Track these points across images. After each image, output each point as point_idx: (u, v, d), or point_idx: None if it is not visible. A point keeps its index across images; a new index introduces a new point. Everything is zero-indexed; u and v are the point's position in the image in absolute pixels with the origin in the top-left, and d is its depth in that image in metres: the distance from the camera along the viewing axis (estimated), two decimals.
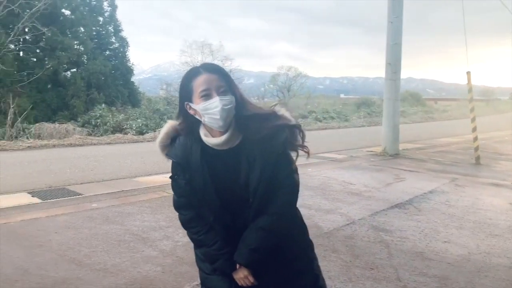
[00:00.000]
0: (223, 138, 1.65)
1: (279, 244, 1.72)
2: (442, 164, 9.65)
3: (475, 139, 10.11)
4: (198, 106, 1.63)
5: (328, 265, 3.80)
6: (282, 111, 1.72)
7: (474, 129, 10.17)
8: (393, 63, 10.85)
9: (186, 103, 1.69)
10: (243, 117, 1.66)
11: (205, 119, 1.64)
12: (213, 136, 1.67)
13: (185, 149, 1.68)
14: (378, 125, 18.73)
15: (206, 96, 1.61)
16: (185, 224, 1.81)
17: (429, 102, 45.76)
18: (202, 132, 1.69)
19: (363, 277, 3.59)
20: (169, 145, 1.74)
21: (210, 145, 1.67)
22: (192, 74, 1.66)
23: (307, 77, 40.83)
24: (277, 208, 1.68)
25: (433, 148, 12.77)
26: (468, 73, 10.06)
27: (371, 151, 11.41)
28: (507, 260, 4.02)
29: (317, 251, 4.15)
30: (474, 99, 10.49)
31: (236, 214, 1.71)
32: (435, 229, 4.91)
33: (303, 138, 1.73)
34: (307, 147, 1.75)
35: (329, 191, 6.59)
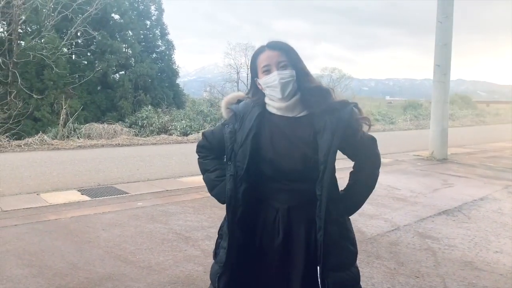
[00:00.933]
0: (285, 103, 1.73)
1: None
2: (494, 170, 9.21)
3: None
4: (261, 81, 1.76)
5: (371, 271, 3.71)
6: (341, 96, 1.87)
7: None
8: (442, 65, 10.48)
9: (255, 79, 1.81)
10: (306, 89, 1.74)
11: (267, 92, 1.76)
12: None
13: (246, 107, 1.78)
14: (425, 128, 18.14)
15: (267, 71, 1.73)
16: (198, 148, 2.00)
17: (480, 105, 43.83)
18: (267, 98, 1.79)
19: (407, 285, 3.48)
20: (234, 104, 1.84)
21: (273, 110, 1.77)
22: (257, 51, 1.79)
23: (352, 79, 40.25)
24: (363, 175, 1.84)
25: (484, 153, 12.22)
26: None
27: (418, 155, 11.06)
28: None
29: (360, 257, 4.07)
30: None
31: (264, 185, 1.75)
32: (486, 238, 4.69)
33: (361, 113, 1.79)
34: (369, 119, 1.80)
35: (373, 195, 6.42)
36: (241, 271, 1.80)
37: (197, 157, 2.01)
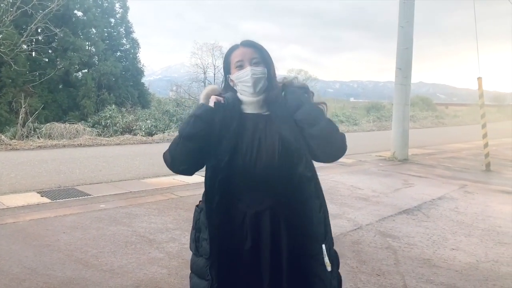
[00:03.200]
0: (256, 97, 1.80)
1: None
2: (452, 170, 9.57)
3: (486, 145, 10.01)
4: (233, 76, 1.81)
5: None
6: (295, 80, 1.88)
7: (484, 135, 10.07)
8: (404, 68, 10.80)
9: (228, 75, 1.86)
10: (272, 87, 1.81)
11: (238, 88, 1.82)
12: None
13: (233, 99, 1.80)
14: (388, 130, 18.61)
15: (240, 66, 1.79)
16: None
17: (440, 107, 45.32)
18: (239, 94, 1.83)
19: (369, 283, 3.57)
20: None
21: (245, 107, 1.81)
22: (231, 49, 1.85)
23: (317, 81, 40.75)
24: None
25: (443, 154, 12.67)
26: (479, 78, 9.97)
27: (380, 156, 11.35)
28: None
29: None
30: (485, 105, 10.40)
31: (235, 184, 1.76)
32: (444, 236, 4.87)
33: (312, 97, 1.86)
34: (325, 103, 1.86)
35: (337, 195, 6.57)
36: (227, 258, 1.78)
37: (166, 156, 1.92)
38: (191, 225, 1.97)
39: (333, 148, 1.78)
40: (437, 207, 6.17)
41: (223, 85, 1.93)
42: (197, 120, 1.72)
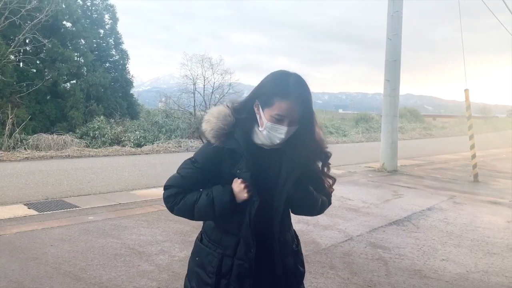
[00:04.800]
0: (273, 146, 1.70)
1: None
2: (441, 181, 9.65)
3: (473, 156, 10.12)
4: (265, 121, 1.63)
5: (325, 282, 3.77)
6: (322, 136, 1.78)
7: (472, 146, 10.20)
8: (392, 80, 10.92)
9: (257, 101, 1.67)
10: (296, 134, 1.67)
11: (264, 132, 1.65)
12: None
13: (245, 140, 1.66)
14: (377, 141, 18.75)
15: (279, 120, 1.61)
16: (170, 198, 1.74)
17: (428, 118, 45.89)
18: (257, 129, 1.68)
19: None
20: (228, 135, 1.66)
21: (258, 141, 1.69)
22: (280, 91, 1.62)
23: None
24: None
25: (431, 165, 12.78)
26: (466, 90, 10.12)
27: (370, 167, 11.41)
28: (505, 279, 3.99)
29: (315, 267, 4.13)
30: (472, 117, 10.55)
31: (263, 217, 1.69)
32: (433, 246, 4.89)
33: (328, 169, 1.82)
34: (334, 179, 1.85)
35: None
36: None
37: (170, 207, 1.75)
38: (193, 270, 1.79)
39: (308, 214, 1.87)
40: (426, 218, 6.20)
41: (242, 104, 1.72)
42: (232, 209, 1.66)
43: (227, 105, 1.74)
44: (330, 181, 1.82)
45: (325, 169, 1.79)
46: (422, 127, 34.96)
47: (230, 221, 1.69)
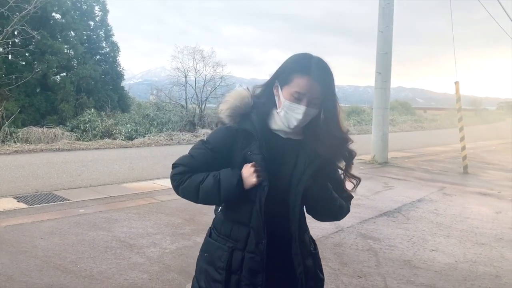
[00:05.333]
0: (291, 130, 1.60)
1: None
2: (431, 173, 9.72)
3: (463, 148, 10.21)
4: (284, 100, 1.57)
5: None
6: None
7: (462, 139, 10.28)
8: (383, 72, 10.95)
9: (277, 84, 1.61)
10: (316, 123, 1.61)
11: (281, 113, 1.58)
12: None
13: (261, 126, 1.59)
14: (368, 133, 18.82)
15: (297, 99, 1.55)
16: (177, 176, 1.66)
17: (419, 111, 46.14)
18: (275, 113, 1.61)
19: (351, 285, 3.59)
20: (244, 115, 1.60)
21: (275, 126, 1.61)
22: (300, 68, 1.56)
23: None
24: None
25: (421, 157, 12.87)
26: (457, 83, 10.18)
27: (361, 159, 11.45)
28: (493, 269, 4.04)
29: None
30: (462, 109, 10.62)
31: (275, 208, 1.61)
32: (423, 237, 4.94)
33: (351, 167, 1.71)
34: (359, 178, 1.72)
35: None
36: None
37: (176, 185, 1.67)
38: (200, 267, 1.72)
39: (324, 216, 1.74)
40: (416, 209, 6.25)
41: (262, 88, 1.67)
42: (241, 194, 1.58)
43: (247, 88, 1.67)
44: (354, 181, 1.70)
45: (348, 169, 1.68)
46: (413, 119, 35.17)
47: (241, 210, 1.61)
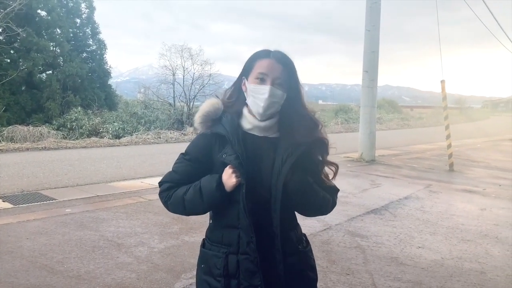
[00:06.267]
0: (262, 123, 1.62)
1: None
2: (417, 171, 9.82)
3: (449, 146, 10.33)
4: (249, 85, 1.62)
5: None
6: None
7: (448, 136, 10.40)
8: (370, 71, 11.02)
9: (243, 77, 1.66)
10: (289, 116, 1.64)
11: (249, 100, 1.62)
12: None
13: (232, 127, 1.61)
14: (355, 132, 18.94)
15: (261, 80, 1.59)
16: (163, 192, 1.70)
17: (405, 109, 46.60)
18: (246, 110, 1.65)
19: (339, 282, 3.61)
20: (215, 120, 1.64)
21: (248, 125, 1.64)
22: (260, 54, 1.64)
23: None
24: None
25: (408, 155, 12.99)
26: (442, 81, 10.30)
27: (348, 157, 11.53)
28: (478, 265, 4.11)
29: None
30: (448, 107, 10.75)
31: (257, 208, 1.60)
32: (410, 234, 4.99)
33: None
34: (336, 165, 1.73)
35: None
36: None
37: (164, 202, 1.70)
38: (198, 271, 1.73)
39: (310, 211, 1.73)
40: (403, 206, 6.31)
41: (232, 89, 1.71)
42: (224, 197, 1.59)
43: (216, 96, 1.71)
44: (333, 168, 1.72)
45: (325, 156, 1.69)
46: (400, 117, 35.49)
47: (228, 214, 1.61)
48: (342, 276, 3.74)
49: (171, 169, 1.72)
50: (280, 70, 1.60)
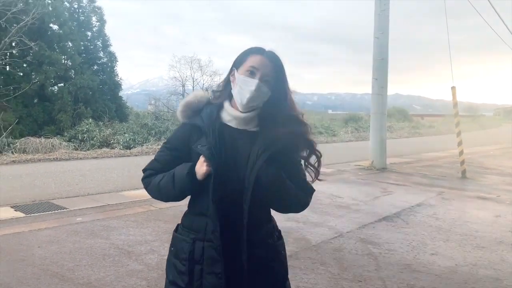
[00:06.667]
0: (243, 114, 1.66)
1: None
2: (429, 178, 9.72)
3: (461, 153, 10.22)
4: (239, 76, 1.66)
5: (316, 277, 3.77)
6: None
7: (459, 143, 10.29)
8: (380, 78, 10.99)
9: (234, 69, 1.71)
10: (272, 115, 1.67)
11: (235, 89, 1.67)
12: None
13: (210, 119, 1.66)
14: (366, 140, 18.84)
15: (251, 73, 1.64)
16: (145, 179, 1.78)
17: (416, 118, 46.27)
18: (227, 103, 1.71)
19: None
20: (196, 112, 1.71)
21: (228, 117, 1.69)
22: (254, 50, 1.69)
23: (296, 93, 40.99)
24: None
25: (420, 163, 12.87)
26: (453, 88, 10.22)
27: (359, 165, 11.45)
28: (494, 272, 4.03)
29: (305, 263, 4.14)
30: (459, 115, 10.65)
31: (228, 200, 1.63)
32: (423, 241, 4.92)
33: (318, 163, 1.75)
34: (318, 171, 1.75)
35: (317, 204, 6.57)
36: None
37: (145, 188, 1.79)
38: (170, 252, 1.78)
39: (281, 207, 1.75)
40: (415, 213, 6.23)
41: (223, 83, 1.76)
42: (194, 185, 1.63)
43: (206, 90, 1.79)
44: (313, 174, 1.74)
45: (308, 159, 1.72)
46: (411, 126, 35.26)
47: (201, 201, 1.65)
48: (354, 283, 3.69)
49: (153, 158, 1.81)
50: (270, 68, 1.65)
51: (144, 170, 1.81)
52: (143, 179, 1.79)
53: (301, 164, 1.73)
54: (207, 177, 1.59)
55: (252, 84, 1.62)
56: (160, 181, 1.70)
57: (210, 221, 1.61)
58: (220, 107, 1.71)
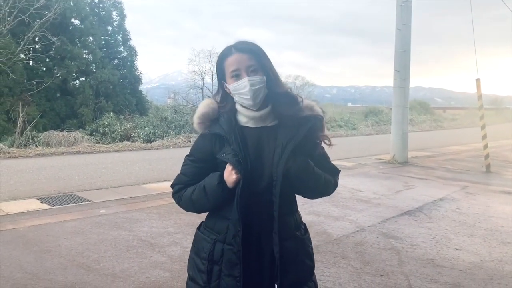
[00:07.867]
0: (258, 112, 1.66)
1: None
2: (452, 172, 9.56)
3: (485, 146, 10.01)
4: (230, 86, 1.65)
5: (338, 271, 3.76)
6: (310, 102, 1.74)
7: (484, 137, 10.08)
8: (402, 70, 10.82)
9: (223, 82, 1.70)
10: (275, 93, 1.67)
11: (236, 97, 1.67)
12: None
13: (230, 126, 1.65)
14: (386, 133, 18.62)
15: (236, 76, 1.63)
16: (175, 194, 1.80)
17: (438, 110, 45.48)
18: (239, 105, 1.69)
19: (373, 283, 3.54)
20: (213, 121, 1.69)
21: (244, 119, 1.68)
22: (224, 54, 1.67)
23: (315, 86, 40.91)
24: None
25: (442, 156, 12.67)
26: (478, 80, 10.00)
27: (380, 159, 11.34)
28: None
29: (327, 257, 4.12)
30: (483, 107, 10.41)
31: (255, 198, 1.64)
32: (446, 236, 4.85)
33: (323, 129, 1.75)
34: (329, 138, 1.76)
35: (338, 198, 6.54)
36: None
37: (178, 203, 1.80)
38: (192, 248, 1.80)
39: (312, 193, 1.78)
40: (438, 208, 6.15)
41: (219, 94, 1.73)
42: (226, 193, 1.64)
43: (209, 97, 1.79)
44: (327, 141, 1.74)
45: (321, 132, 1.71)
46: (433, 119, 34.68)
47: (225, 205, 1.66)
48: (376, 277, 3.67)
49: (179, 172, 1.80)
50: (247, 58, 1.63)
51: (172, 186, 1.81)
52: (173, 195, 1.80)
53: (320, 145, 1.73)
54: (237, 184, 1.60)
55: (244, 85, 1.61)
56: (192, 194, 1.70)
57: (232, 226, 1.62)
58: (234, 111, 1.70)
